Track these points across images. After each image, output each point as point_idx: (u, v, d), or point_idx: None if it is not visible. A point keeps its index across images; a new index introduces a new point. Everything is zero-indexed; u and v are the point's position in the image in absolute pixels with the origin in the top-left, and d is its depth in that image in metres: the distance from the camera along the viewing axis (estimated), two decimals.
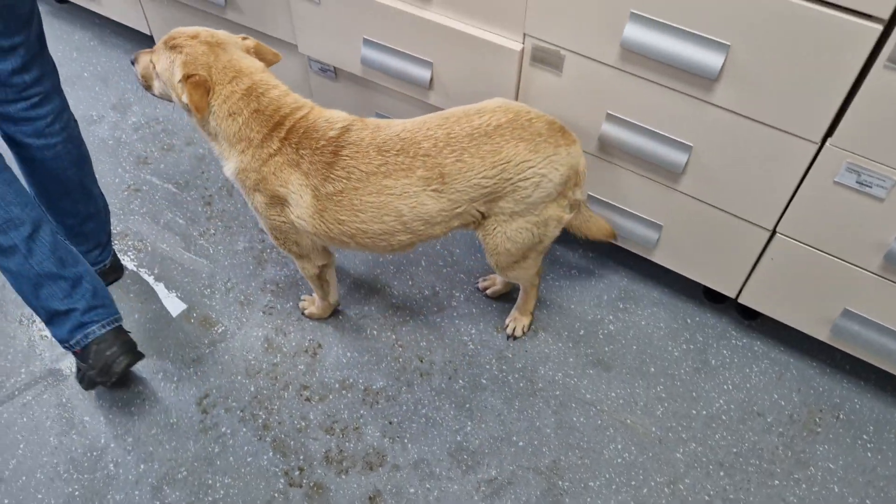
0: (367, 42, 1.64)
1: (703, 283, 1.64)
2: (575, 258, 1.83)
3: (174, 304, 1.73)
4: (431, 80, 1.61)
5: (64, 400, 1.57)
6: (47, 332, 1.60)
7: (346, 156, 1.30)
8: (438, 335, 1.69)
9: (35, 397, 1.57)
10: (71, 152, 1.51)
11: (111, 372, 1.45)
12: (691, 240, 1.56)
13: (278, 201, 1.36)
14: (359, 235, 1.36)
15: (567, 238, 1.86)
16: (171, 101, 1.38)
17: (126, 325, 1.52)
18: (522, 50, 1.45)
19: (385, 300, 1.74)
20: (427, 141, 1.30)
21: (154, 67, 1.35)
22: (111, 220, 1.71)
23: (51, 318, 1.42)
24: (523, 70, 1.49)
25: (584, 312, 1.73)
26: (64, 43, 2.37)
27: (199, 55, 1.30)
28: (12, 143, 1.46)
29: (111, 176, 1.99)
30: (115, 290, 1.74)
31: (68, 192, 1.55)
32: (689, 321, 1.72)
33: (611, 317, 1.73)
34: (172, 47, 1.31)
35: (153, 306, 1.73)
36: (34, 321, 1.69)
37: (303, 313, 1.71)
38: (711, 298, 1.75)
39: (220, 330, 1.69)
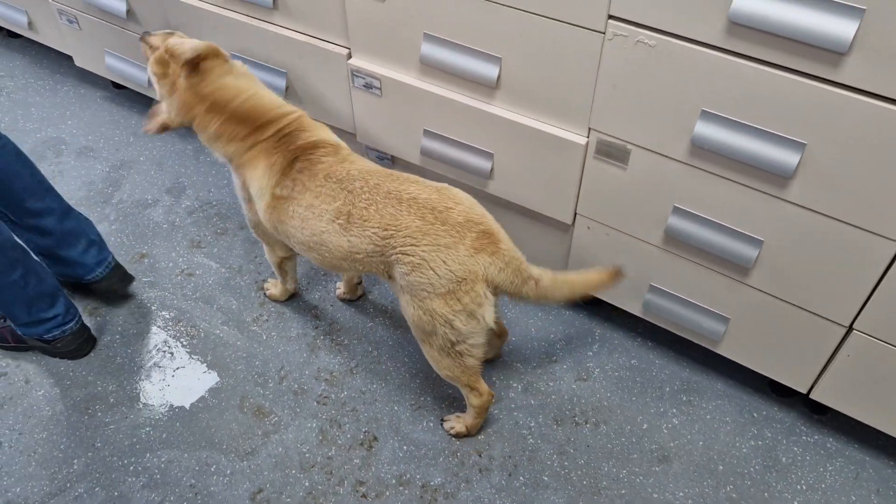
0: (427, 133, 1.66)
1: (772, 377, 1.58)
2: (634, 346, 1.79)
3: (228, 393, 1.71)
4: (492, 170, 1.61)
5: (116, 494, 1.54)
6: None
7: (304, 169, 1.42)
8: (496, 428, 1.64)
9: None
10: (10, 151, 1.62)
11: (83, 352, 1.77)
12: (760, 333, 1.51)
13: (248, 190, 1.51)
14: (291, 239, 1.49)
15: (624, 325, 1.83)
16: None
17: (177, 412, 1.50)
18: (587, 143, 1.46)
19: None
20: (360, 182, 1.38)
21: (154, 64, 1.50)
22: None
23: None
24: (587, 162, 1.49)
25: (646, 405, 1.68)
26: (121, 128, 2.43)
27: (198, 50, 1.44)
28: None
29: (165, 260, 2.01)
30: (168, 375, 1.73)
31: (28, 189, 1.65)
32: (755, 415, 1.66)
33: (674, 410, 1.67)
34: (169, 53, 1.47)
35: (206, 394, 1.70)
36: None
37: (264, 293, 1.90)
38: (778, 391, 1.69)
39: (274, 420, 1.66)
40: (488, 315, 1.36)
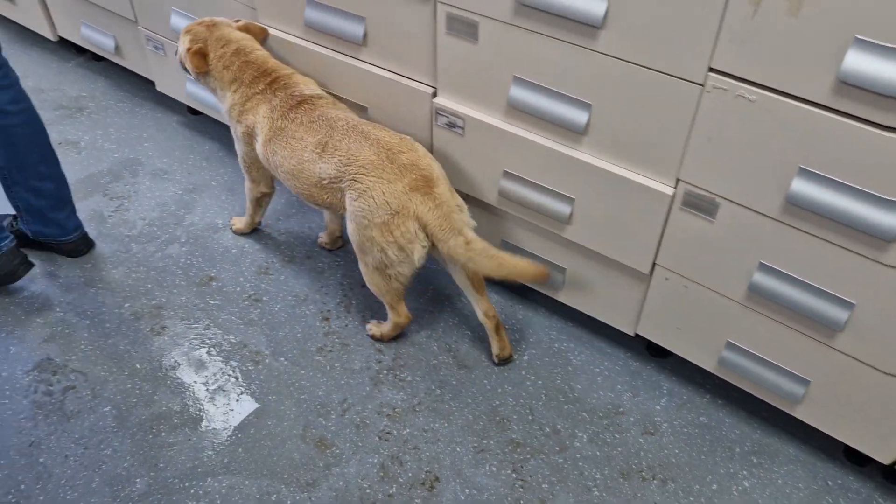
0: (507, 174, 1.66)
1: (851, 444, 1.53)
2: (703, 403, 1.75)
3: (290, 422, 1.70)
4: (571, 215, 1.61)
5: None
6: None
7: (303, 110, 1.69)
8: (561, 477, 1.61)
9: None
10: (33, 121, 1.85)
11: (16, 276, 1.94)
12: (842, 398, 1.47)
13: (249, 132, 1.79)
14: (280, 167, 1.73)
15: (693, 379, 1.78)
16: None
17: (239, 438, 1.49)
18: (674, 194, 1.44)
19: (504, 435, 1.68)
20: (342, 122, 1.65)
21: (179, 52, 1.87)
22: None
23: None
24: (672, 213, 1.47)
25: (716, 465, 1.63)
26: (195, 152, 2.48)
27: (200, 33, 1.81)
28: None
29: (232, 284, 2.03)
30: (231, 399, 1.73)
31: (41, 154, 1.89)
32: (830, 483, 1.60)
33: (744, 472, 1.62)
34: (182, 35, 1.84)
35: (269, 422, 1.70)
36: None
37: (231, 228, 2.16)
38: (854, 460, 1.63)
39: (336, 452, 1.65)
40: (416, 252, 1.58)
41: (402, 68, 1.72)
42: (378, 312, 1.94)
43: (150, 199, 2.30)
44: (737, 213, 1.38)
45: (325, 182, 1.63)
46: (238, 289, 2.02)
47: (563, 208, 1.61)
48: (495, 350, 1.80)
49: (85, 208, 2.26)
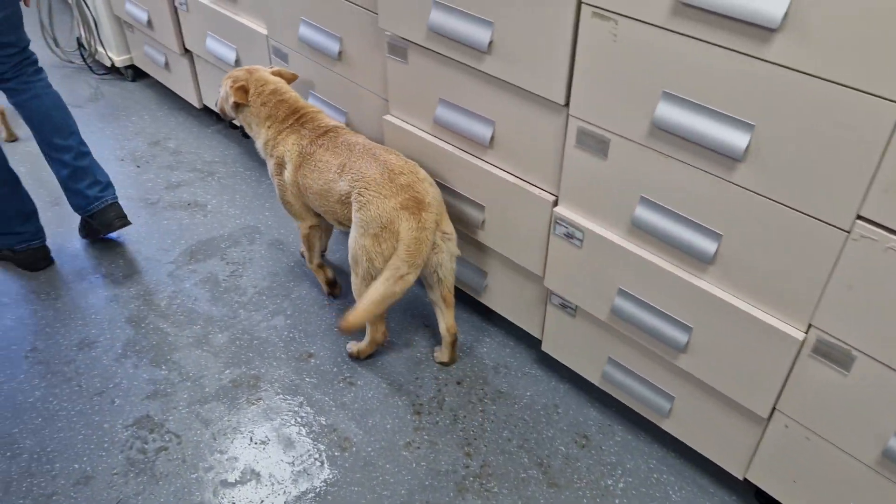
0: (622, 293, 1.61)
1: None
2: None
3: None
4: (687, 344, 1.53)
5: None
6: None
7: (328, 138, 1.91)
8: None
9: None
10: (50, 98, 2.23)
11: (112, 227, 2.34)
12: None
13: (281, 164, 1.98)
14: (309, 189, 1.92)
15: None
16: (233, 117, 2.11)
17: None
18: (804, 340, 1.35)
19: None
20: (360, 147, 1.86)
21: (221, 96, 2.11)
22: None
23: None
24: (799, 359, 1.37)
25: None
26: None
27: (241, 75, 2.05)
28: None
29: (330, 364, 2.03)
30: (316, 483, 1.71)
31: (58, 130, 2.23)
32: None
33: None
34: (225, 80, 2.07)
35: None
36: None
37: (301, 254, 2.35)
38: None
39: None
40: (402, 264, 1.71)
41: (526, 173, 1.72)
42: (475, 415, 1.89)
43: (263, 267, 2.37)
44: (875, 370, 1.27)
45: (343, 198, 1.83)
46: (335, 369, 2.03)
47: (680, 336, 1.53)
48: (443, 357, 2.02)
49: (202, 270, 2.35)
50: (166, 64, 3.01)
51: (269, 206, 2.64)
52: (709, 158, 1.33)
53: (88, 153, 2.31)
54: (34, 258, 2.34)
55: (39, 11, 3.25)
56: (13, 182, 2.21)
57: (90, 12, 3.22)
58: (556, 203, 1.68)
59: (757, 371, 1.44)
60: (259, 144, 2.05)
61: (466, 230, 1.94)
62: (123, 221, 2.37)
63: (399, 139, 1.98)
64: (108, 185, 2.36)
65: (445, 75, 1.76)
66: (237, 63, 2.54)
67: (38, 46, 3.28)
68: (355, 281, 1.86)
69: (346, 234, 1.88)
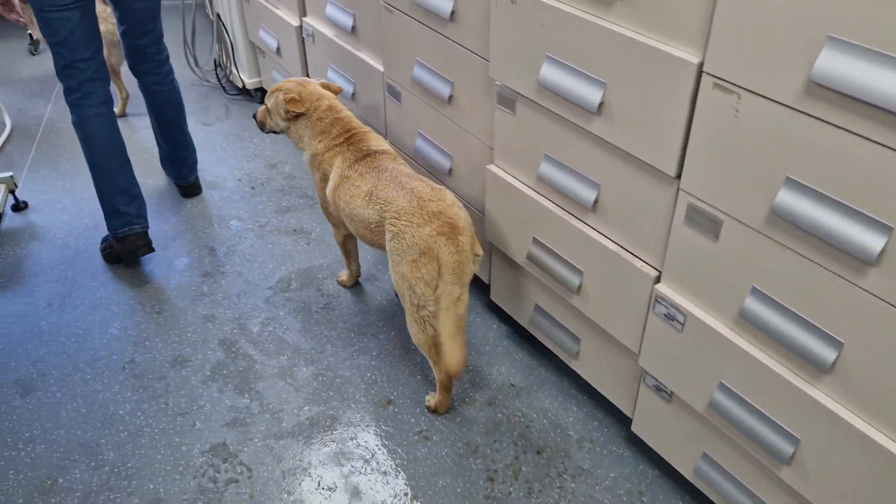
0: (723, 388, 1.45)
1: None
2: None
3: None
4: (792, 456, 1.35)
5: None
6: None
7: (365, 162, 1.95)
8: None
9: None
10: (174, 98, 2.62)
11: (137, 255, 2.46)
12: None
13: (325, 178, 2.06)
14: (343, 211, 1.98)
15: None
16: (277, 131, 2.16)
17: None
18: None
19: None
20: (388, 174, 1.88)
21: (267, 108, 2.15)
22: None
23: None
24: None
25: None
26: None
27: (293, 87, 2.09)
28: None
29: (408, 414, 1.98)
30: None
31: (171, 124, 2.66)
32: None
33: None
34: (274, 91, 2.12)
35: None
36: None
37: (337, 282, 2.44)
38: None
39: None
40: (440, 289, 1.74)
41: (629, 242, 1.60)
42: (552, 486, 1.77)
43: (355, 303, 2.36)
44: None
45: (372, 226, 1.88)
46: (412, 419, 1.97)
47: (786, 448, 1.36)
48: (432, 402, 1.99)
49: (297, 299, 2.37)
50: None
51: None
52: (835, 257, 1.17)
53: (190, 142, 2.76)
54: (135, 245, 2.40)
55: (184, 30, 3.43)
56: (122, 158, 2.34)
57: (228, 36, 3.37)
58: (658, 279, 1.55)
59: (868, 494, 1.25)
60: (306, 156, 2.10)
61: (562, 292, 1.83)
62: (198, 192, 2.89)
63: (501, 190, 1.90)
64: (195, 166, 2.83)
65: (553, 131, 1.67)
66: (354, 97, 2.56)
67: (179, 64, 3.48)
68: (410, 322, 1.86)
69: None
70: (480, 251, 1.82)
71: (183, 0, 3.63)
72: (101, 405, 2.02)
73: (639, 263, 1.58)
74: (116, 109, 3.26)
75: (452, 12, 1.88)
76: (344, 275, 2.41)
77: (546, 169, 1.73)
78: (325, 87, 2.15)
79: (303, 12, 2.73)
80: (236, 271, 2.50)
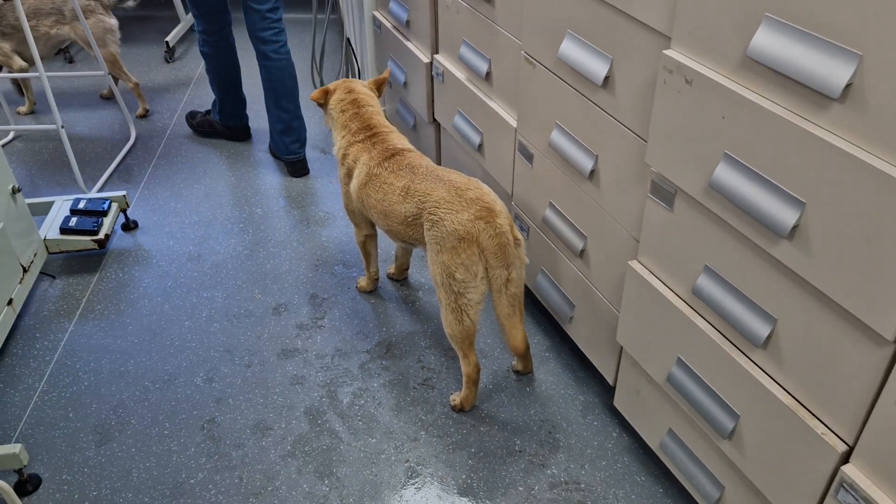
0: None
1: None
2: None
3: None
4: (733, 430, 0.97)
5: None
6: None
7: (395, 160, 1.96)
8: None
9: None
10: (291, 67, 2.84)
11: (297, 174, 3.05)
12: None
13: (349, 174, 2.08)
14: (373, 209, 2.00)
15: None
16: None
17: None
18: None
19: None
20: (423, 170, 1.91)
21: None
22: None
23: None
24: None
25: None
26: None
27: (336, 83, 2.22)
28: (262, 56, 2.81)
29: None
30: None
31: (286, 94, 2.87)
32: None
33: None
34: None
35: None
36: None
37: (357, 288, 2.43)
38: None
39: None
40: (480, 273, 1.77)
41: (808, 399, 1.25)
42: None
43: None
44: None
45: (409, 220, 1.89)
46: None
47: (726, 423, 0.97)
48: (519, 367, 2.12)
49: (395, 369, 2.14)
50: (414, 126, 2.88)
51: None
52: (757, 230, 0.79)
53: (301, 117, 2.96)
54: (243, 133, 3.25)
55: (313, 48, 3.30)
56: (239, 73, 3.04)
57: (357, 61, 3.21)
58: (846, 457, 1.19)
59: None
60: (335, 149, 2.15)
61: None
62: (305, 172, 3.05)
63: (643, 293, 1.59)
64: (305, 143, 3.01)
65: (720, 242, 1.34)
66: (480, 148, 2.30)
67: (304, 82, 3.36)
68: (444, 314, 1.86)
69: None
70: (520, 235, 1.83)
71: (315, 17, 3.50)
72: (173, 469, 1.86)
73: (820, 429, 1.23)
74: (139, 110, 3.53)
75: (606, 78, 1.58)
76: (363, 280, 2.42)
77: (705, 284, 1.40)
78: (373, 83, 2.24)
79: (435, 49, 2.51)
80: (334, 327, 2.30)
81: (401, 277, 2.48)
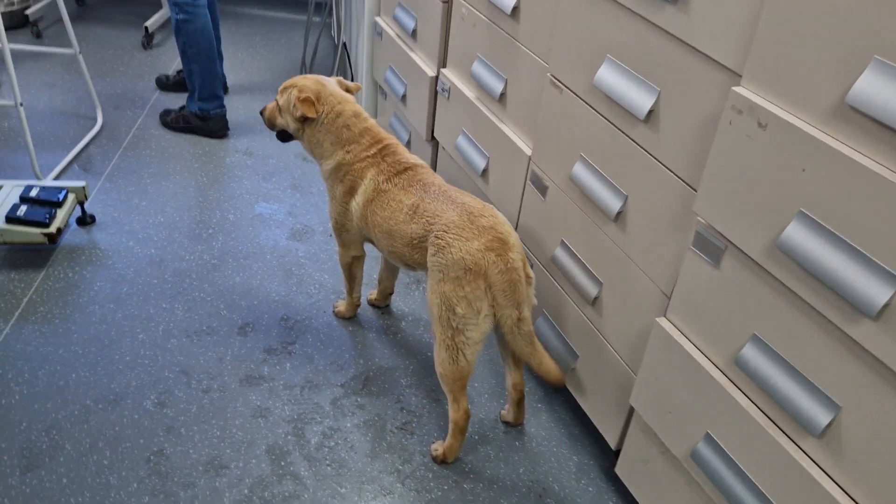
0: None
1: None
2: None
3: None
4: None
5: None
6: None
7: (405, 176, 1.80)
8: None
9: None
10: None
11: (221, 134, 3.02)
12: None
13: (351, 191, 1.87)
14: (377, 227, 1.82)
15: None
16: (288, 133, 1.97)
17: None
18: None
19: None
20: (435, 188, 1.75)
21: (277, 106, 1.94)
22: None
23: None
24: None
25: None
26: None
27: (310, 86, 1.88)
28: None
29: None
30: None
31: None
32: None
33: None
34: (288, 87, 1.91)
35: None
36: None
37: (334, 312, 2.21)
38: None
39: None
40: (483, 311, 1.60)
41: (875, 498, 1.08)
42: None
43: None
44: None
45: (415, 241, 1.72)
46: None
47: None
48: (509, 417, 1.91)
49: (371, 408, 1.92)
50: (408, 143, 2.69)
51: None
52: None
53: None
54: (221, 125, 2.99)
55: (304, 51, 3.09)
56: (215, 44, 2.91)
57: (351, 68, 3.01)
58: None
59: None
60: (329, 165, 1.90)
61: None
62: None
63: (671, 356, 1.41)
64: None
65: (777, 311, 1.18)
66: (484, 173, 2.12)
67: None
68: (438, 351, 1.67)
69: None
70: (532, 273, 1.67)
71: (309, 17, 3.30)
72: None
73: None
74: None
75: (650, 112, 1.41)
76: (342, 304, 2.20)
77: (752, 355, 1.23)
78: (343, 86, 1.97)
79: (442, 63, 2.33)
80: (306, 354, 2.08)
81: (383, 304, 2.27)
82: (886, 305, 0.98)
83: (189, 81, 2.90)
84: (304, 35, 3.12)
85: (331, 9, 3.41)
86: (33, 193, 2.32)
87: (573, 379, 1.86)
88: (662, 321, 1.44)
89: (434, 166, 2.57)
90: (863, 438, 1.07)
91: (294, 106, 1.86)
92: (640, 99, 1.43)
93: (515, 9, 1.86)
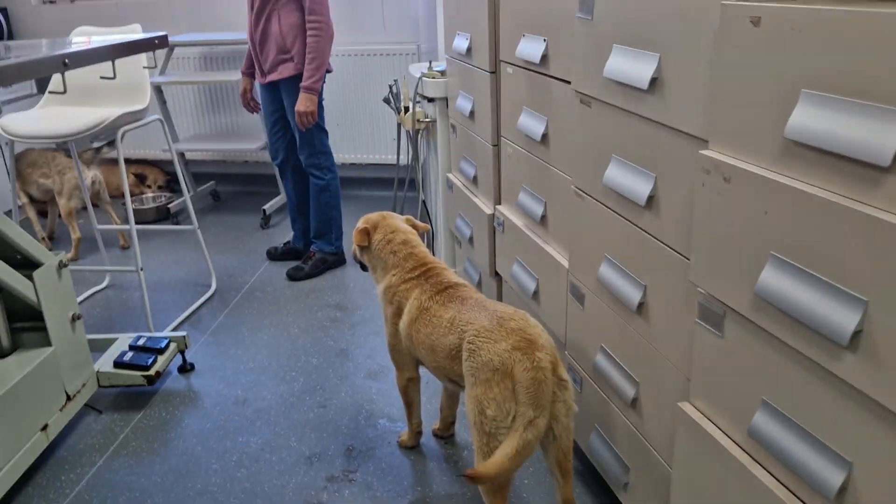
0: None
1: None
2: None
3: None
4: None
5: None
6: None
7: (446, 294, 1.88)
8: None
9: None
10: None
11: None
12: None
13: (399, 312, 1.98)
14: (421, 345, 1.89)
15: None
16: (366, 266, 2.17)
17: None
18: None
19: None
20: (472, 301, 1.81)
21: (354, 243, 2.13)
22: None
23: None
24: None
25: None
26: None
27: (372, 218, 2.13)
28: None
29: None
30: None
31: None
32: None
33: None
34: (361, 220, 2.15)
35: None
36: None
37: (398, 443, 2.25)
38: None
39: None
40: (513, 410, 1.56)
41: None
42: None
43: None
44: None
45: (452, 352, 1.76)
46: None
47: None
48: None
49: None
50: (479, 283, 2.80)
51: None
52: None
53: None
54: (341, 258, 3.65)
55: (393, 206, 3.37)
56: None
57: (431, 223, 3.23)
58: None
59: None
60: (380, 288, 2.05)
61: None
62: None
63: (695, 441, 1.33)
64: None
65: (777, 368, 1.11)
66: (535, 294, 2.17)
67: None
68: (477, 460, 1.64)
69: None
70: (567, 377, 1.65)
71: (396, 180, 3.63)
72: None
73: None
74: (70, 255, 3.74)
75: (651, 197, 1.46)
76: (405, 434, 2.24)
77: (762, 422, 1.15)
78: (411, 224, 2.15)
79: (497, 200, 2.48)
80: (366, 482, 2.09)
81: (446, 434, 2.27)
82: (859, 332, 0.93)
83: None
84: (392, 198, 3.43)
85: (412, 179, 3.73)
86: (140, 342, 2.60)
87: (630, 496, 1.74)
88: (685, 405, 1.37)
89: (500, 300, 2.63)
90: (882, 496, 0.96)
91: (355, 235, 2.09)
92: (640, 186, 1.48)
93: (545, 135, 2.00)
